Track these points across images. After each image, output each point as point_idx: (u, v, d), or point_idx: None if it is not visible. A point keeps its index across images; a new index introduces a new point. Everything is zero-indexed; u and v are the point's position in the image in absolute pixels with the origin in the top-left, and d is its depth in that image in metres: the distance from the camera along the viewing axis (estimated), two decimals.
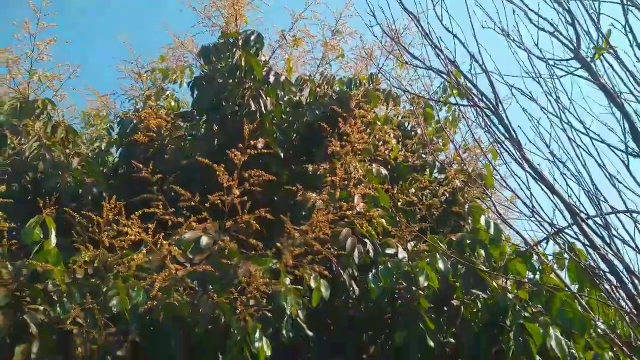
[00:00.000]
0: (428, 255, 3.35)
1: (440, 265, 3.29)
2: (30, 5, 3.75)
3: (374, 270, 3.32)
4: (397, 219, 3.77)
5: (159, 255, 2.88)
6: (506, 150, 2.64)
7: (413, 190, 4.20)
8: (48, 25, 3.84)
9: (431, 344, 3.07)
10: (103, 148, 5.22)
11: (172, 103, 5.48)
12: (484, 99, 2.69)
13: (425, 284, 3.16)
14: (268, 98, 4.06)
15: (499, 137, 2.64)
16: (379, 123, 4.24)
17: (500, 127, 2.61)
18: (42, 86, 3.97)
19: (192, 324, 2.69)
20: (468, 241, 3.62)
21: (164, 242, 2.73)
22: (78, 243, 3.26)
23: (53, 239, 2.74)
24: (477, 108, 2.74)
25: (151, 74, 5.47)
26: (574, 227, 2.40)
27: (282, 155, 4.06)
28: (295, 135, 4.44)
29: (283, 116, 4.45)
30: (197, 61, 4.96)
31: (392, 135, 4.21)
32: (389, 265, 3.33)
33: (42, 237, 2.86)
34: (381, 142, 4.07)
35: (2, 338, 2.47)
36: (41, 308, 2.74)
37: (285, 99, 4.29)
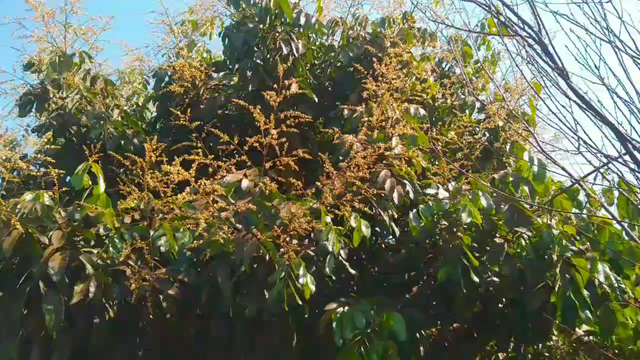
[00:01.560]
0: (470, 194, 3.28)
1: (483, 202, 3.22)
2: None
3: (414, 210, 3.29)
4: (437, 159, 3.70)
5: (202, 196, 2.94)
6: (551, 81, 2.51)
7: (452, 131, 4.10)
8: None
9: (476, 279, 3.05)
10: (140, 104, 5.29)
11: (204, 55, 5.47)
12: (527, 28, 2.54)
13: (468, 221, 3.09)
14: (300, 41, 3.97)
15: (543, 68, 2.50)
16: (415, 62, 4.09)
17: (544, 56, 2.48)
18: (77, 40, 4.00)
19: (237, 261, 2.75)
20: (511, 179, 3.53)
21: (206, 182, 2.76)
22: (124, 190, 3.39)
23: (102, 184, 2.82)
24: (520, 38, 2.59)
25: (181, 26, 5.44)
26: (626, 156, 2.29)
27: (315, 99, 4.01)
28: (328, 79, 4.36)
29: (315, 61, 4.36)
30: (227, 9, 4.87)
31: (429, 73, 4.07)
32: (430, 204, 3.29)
33: (90, 183, 2.96)
34: (418, 81, 3.95)
35: (61, 278, 2.60)
36: (94, 250, 2.88)
37: (317, 42, 4.19)
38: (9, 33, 3.91)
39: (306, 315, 2.85)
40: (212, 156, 3.44)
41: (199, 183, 2.76)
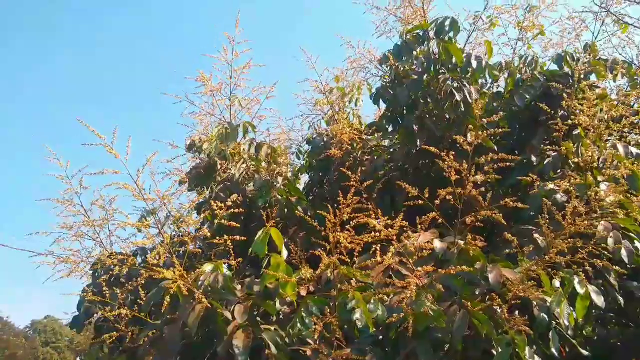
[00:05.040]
0: None
1: None
2: (225, 35, 3.87)
3: None
4: None
5: (379, 262, 2.52)
6: None
7: None
8: (243, 52, 3.92)
9: None
10: (289, 176, 5.22)
11: (355, 120, 5.32)
12: None
13: None
14: (471, 86, 3.58)
15: None
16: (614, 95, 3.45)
17: None
18: (240, 112, 4.05)
19: (444, 336, 2.24)
20: None
21: (405, 241, 2.35)
22: (295, 259, 3.12)
23: (284, 252, 2.56)
24: None
25: (329, 94, 5.40)
26: None
27: (495, 148, 3.50)
28: (501, 125, 3.87)
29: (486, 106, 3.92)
30: (378, 70, 4.71)
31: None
32: None
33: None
34: (624, 116, 3.28)
35: (245, 358, 2.30)
36: (272, 328, 2.57)
37: (487, 86, 3.77)
38: (179, 110, 4.09)
39: None
40: (386, 218, 3.09)
41: (398, 239, 2.35)
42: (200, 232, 2.62)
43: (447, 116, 3.85)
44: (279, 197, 3.63)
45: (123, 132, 2.51)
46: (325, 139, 4.43)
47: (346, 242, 2.41)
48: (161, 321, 2.62)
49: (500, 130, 3.01)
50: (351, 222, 2.66)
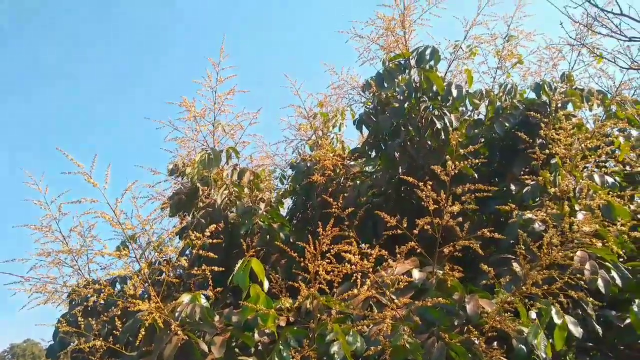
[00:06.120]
0: None
1: None
2: (210, 61, 3.90)
3: (636, 301, 2.57)
4: None
5: (360, 291, 2.51)
6: None
7: None
8: (227, 78, 3.94)
9: None
10: (273, 201, 5.22)
11: (338, 146, 5.36)
12: None
13: None
14: (452, 114, 3.63)
15: None
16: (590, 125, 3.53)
17: None
18: (224, 137, 4.06)
19: None
20: None
21: (382, 274, 2.35)
22: (276, 288, 3.09)
23: (265, 283, 2.54)
24: None
25: (313, 119, 5.44)
26: None
27: (475, 176, 3.55)
28: (482, 152, 3.93)
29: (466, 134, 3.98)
30: (361, 96, 4.77)
31: (616, 133, 3.45)
32: None
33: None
34: (600, 145, 3.34)
35: None
36: None
37: (468, 114, 3.83)
38: (162, 136, 4.08)
39: None
40: (367, 245, 3.09)
41: (375, 272, 2.34)
42: (179, 262, 2.59)
43: (429, 143, 3.90)
44: (262, 223, 3.61)
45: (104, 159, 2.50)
46: (308, 165, 4.45)
47: (325, 273, 2.39)
48: (137, 353, 2.57)
49: (478, 161, 3.04)
50: (331, 251, 2.66)
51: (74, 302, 3.48)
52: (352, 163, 4.57)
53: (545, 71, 4.33)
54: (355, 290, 2.49)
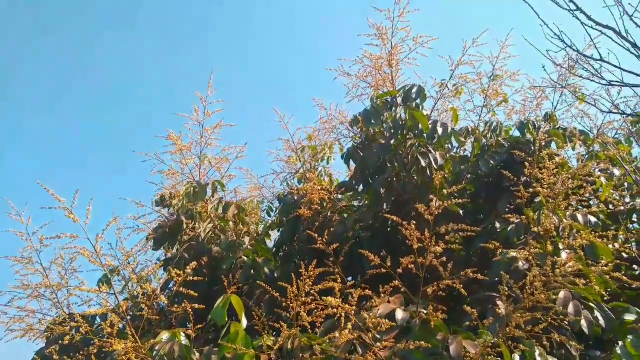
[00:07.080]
0: None
1: None
2: (197, 95, 3.94)
3: (620, 343, 2.56)
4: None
5: (344, 332, 2.47)
6: None
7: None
8: (215, 112, 3.97)
9: None
10: (259, 232, 5.19)
11: (326, 179, 5.38)
12: None
13: None
14: (437, 152, 3.67)
15: None
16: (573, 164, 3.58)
17: None
18: (211, 170, 4.05)
19: None
20: None
21: (365, 315, 2.32)
22: (259, 326, 3.04)
23: (244, 321, 2.50)
24: None
25: (301, 152, 5.48)
26: None
27: (461, 212, 3.57)
28: (467, 188, 3.96)
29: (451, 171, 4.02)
30: (349, 131, 4.82)
31: (598, 173, 3.50)
32: None
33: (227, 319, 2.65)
34: (583, 184, 3.38)
35: None
36: None
37: (453, 152, 3.87)
38: (148, 169, 4.07)
39: None
40: (351, 283, 3.07)
41: (356, 313, 2.32)
42: (158, 299, 2.55)
43: (415, 178, 3.93)
44: (245, 258, 3.58)
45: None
46: (295, 197, 4.44)
47: (306, 315, 2.36)
48: None
49: (462, 200, 3.06)
50: (315, 288, 2.63)
51: (50, 338, 3.39)
52: (339, 197, 4.58)
53: (530, 110, 4.42)
54: (337, 334, 2.46)
